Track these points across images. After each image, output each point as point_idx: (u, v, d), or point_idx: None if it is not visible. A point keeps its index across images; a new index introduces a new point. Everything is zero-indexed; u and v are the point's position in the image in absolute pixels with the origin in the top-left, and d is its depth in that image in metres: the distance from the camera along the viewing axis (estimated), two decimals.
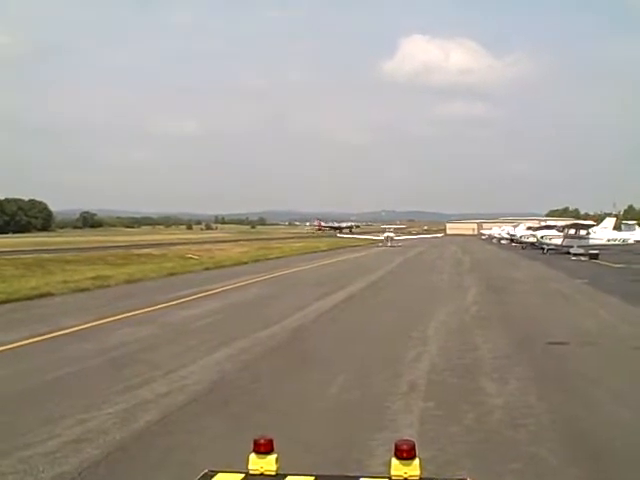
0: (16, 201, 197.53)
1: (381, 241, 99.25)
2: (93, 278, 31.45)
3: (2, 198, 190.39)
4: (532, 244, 79.03)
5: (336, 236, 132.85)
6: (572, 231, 67.41)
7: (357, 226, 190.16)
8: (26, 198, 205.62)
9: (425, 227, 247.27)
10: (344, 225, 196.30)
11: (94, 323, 18.46)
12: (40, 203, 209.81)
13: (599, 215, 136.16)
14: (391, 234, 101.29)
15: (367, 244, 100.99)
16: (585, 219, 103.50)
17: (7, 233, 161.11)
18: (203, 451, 8.16)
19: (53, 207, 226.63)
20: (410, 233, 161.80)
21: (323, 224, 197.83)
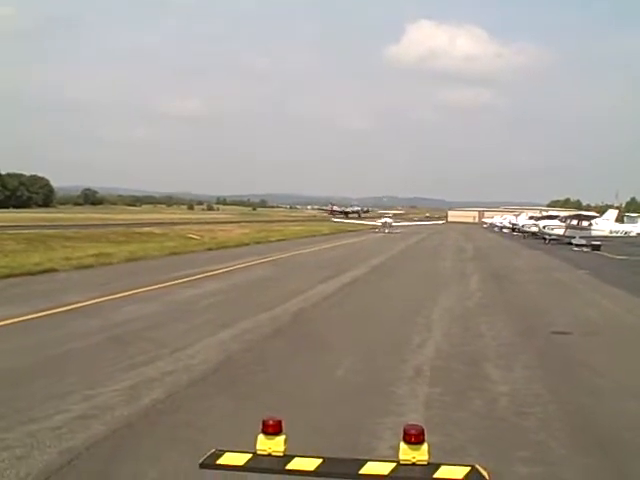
0: (18, 176, 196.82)
1: (378, 227, 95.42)
2: (96, 255, 31.40)
3: (3, 173, 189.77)
4: (534, 234, 78.92)
5: (332, 220, 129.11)
6: (574, 222, 67.27)
7: (366, 211, 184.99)
8: (28, 173, 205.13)
9: (427, 214, 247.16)
10: (355, 209, 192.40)
11: (98, 300, 18.43)
12: (42, 179, 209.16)
13: (601, 207, 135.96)
14: (389, 220, 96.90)
15: (366, 229, 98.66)
16: (587, 210, 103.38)
17: (8, 208, 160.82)
18: (210, 430, 8.14)
19: (55, 183, 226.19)
20: (411, 219, 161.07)
21: (336, 208, 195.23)
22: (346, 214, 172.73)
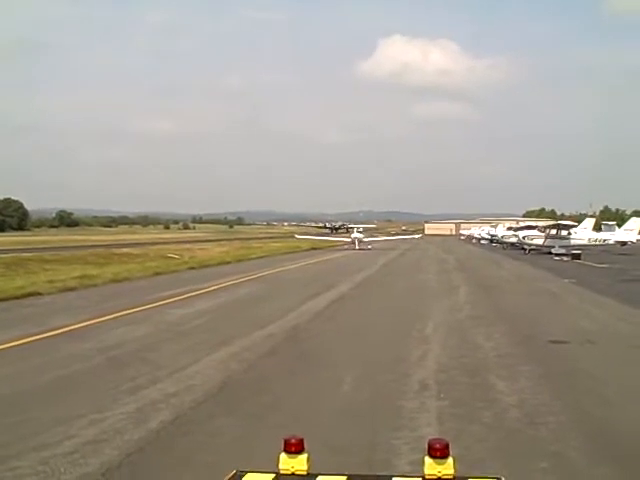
0: None
1: (347, 243, 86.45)
2: (79, 277, 31.04)
3: None
4: (512, 244, 79.52)
5: (293, 237, 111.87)
6: (553, 231, 67.94)
7: (339, 227, 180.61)
8: (1, 196, 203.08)
9: (403, 227, 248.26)
10: (338, 225, 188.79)
11: (88, 322, 18.18)
12: (15, 202, 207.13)
13: (576, 216, 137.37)
14: (359, 235, 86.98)
15: (330, 246, 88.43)
16: (562, 219, 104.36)
17: None
18: (224, 451, 8.01)
19: (28, 206, 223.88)
20: (389, 234, 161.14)
21: (328, 225, 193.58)
22: (332, 230, 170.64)
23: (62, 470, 7.35)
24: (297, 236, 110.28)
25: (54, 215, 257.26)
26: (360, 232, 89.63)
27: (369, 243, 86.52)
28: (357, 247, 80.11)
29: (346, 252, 73.01)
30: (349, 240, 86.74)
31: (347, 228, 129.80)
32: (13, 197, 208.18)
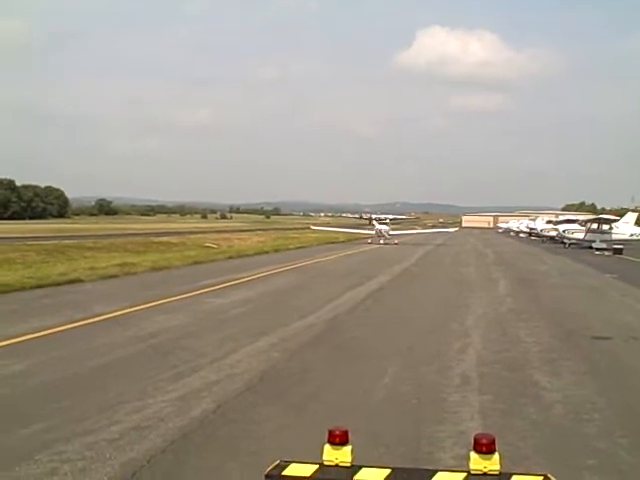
0: (33, 187, 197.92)
1: (371, 236, 74.09)
2: (120, 265, 31.36)
3: (19, 184, 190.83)
4: (552, 238, 78.55)
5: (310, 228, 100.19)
6: (595, 225, 66.88)
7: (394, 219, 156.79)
8: (42, 185, 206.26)
9: (440, 219, 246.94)
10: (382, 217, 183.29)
11: (129, 310, 18.34)
12: (56, 190, 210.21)
13: (617, 210, 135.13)
14: (384, 227, 75.56)
15: (347, 240, 77.08)
16: (603, 213, 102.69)
17: (24, 219, 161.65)
18: (268, 440, 8.02)
19: (69, 194, 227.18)
20: (425, 226, 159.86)
21: (374, 216, 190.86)
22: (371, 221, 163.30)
23: (108, 456, 7.41)
24: (313, 227, 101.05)
25: (93, 203, 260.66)
26: (385, 223, 79.61)
27: (396, 237, 75.08)
28: (382, 241, 69.93)
29: (363, 248, 61.79)
30: (372, 233, 75.25)
31: (370, 219, 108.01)
32: (54, 185, 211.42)
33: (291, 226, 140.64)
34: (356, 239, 77.53)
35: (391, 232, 75.83)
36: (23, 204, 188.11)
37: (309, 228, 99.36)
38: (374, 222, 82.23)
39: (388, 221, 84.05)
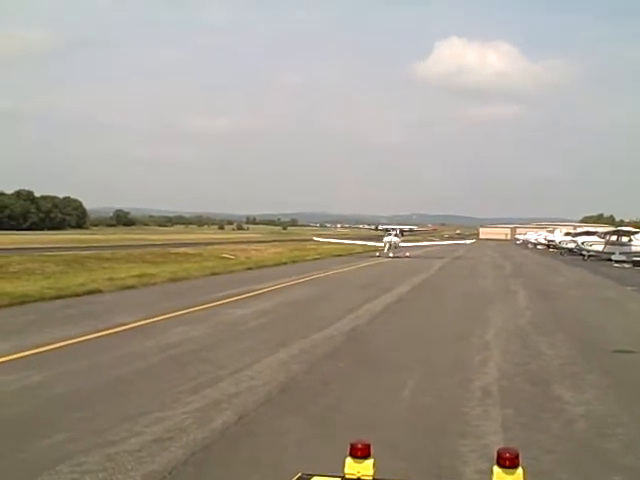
0: (51, 198, 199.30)
1: (380, 249, 67.99)
2: (138, 276, 31.45)
3: (37, 195, 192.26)
4: (570, 250, 77.97)
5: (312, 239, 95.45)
6: (614, 237, 66.25)
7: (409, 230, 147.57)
8: (61, 195, 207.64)
9: (458, 231, 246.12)
10: (390, 228, 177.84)
11: (148, 320, 18.36)
12: (75, 201, 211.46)
13: (636, 222, 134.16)
14: (394, 239, 69.75)
15: (349, 253, 71.34)
16: (622, 225, 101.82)
17: (43, 230, 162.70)
18: (289, 453, 8.00)
19: (87, 205, 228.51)
20: (442, 237, 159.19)
21: (381, 227, 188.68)
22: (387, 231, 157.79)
23: (129, 467, 7.41)
24: (315, 238, 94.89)
25: (111, 214, 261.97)
26: (395, 235, 72.47)
27: (407, 249, 70.42)
28: (390, 254, 64.54)
29: (367, 263, 55.59)
30: (381, 245, 69.66)
31: (376, 228, 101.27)
32: (72, 196, 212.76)
33: (304, 237, 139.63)
34: (366, 252, 72.52)
35: (401, 244, 71.57)
36: (42, 215, 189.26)
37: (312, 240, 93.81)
38: (385, 233, 75.25)
39: (398, 232, 76.26)
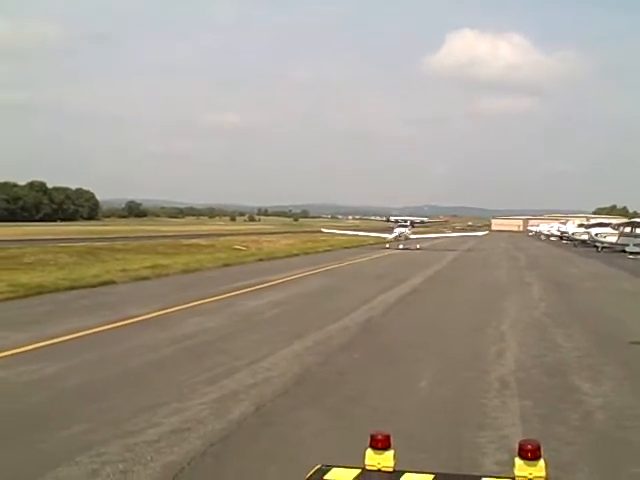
0: (64, 190, 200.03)
1: (390, 241, 68.07)
2: (151, 267, 31.50)
3: (50, 187, 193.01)
4: (583, 242, 77.62)
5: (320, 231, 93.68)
6: (628, 229, 65.82)
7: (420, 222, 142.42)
8: (73, 187, 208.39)
9: (469, 222, 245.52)
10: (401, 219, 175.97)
11: (163, 312, 18.38)
12: (87, 192, 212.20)
13: None
14: (404, 230, 69.46)
15: (359, 245, 70.57)
16: (635, 217, 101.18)
17: (55, 221, 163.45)
18: (308, 444, 7.97)
19: (99, 196, 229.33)
20: (454, 229, 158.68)
21: (392, 218, 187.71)
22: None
23: (148, 458, 7.41)
24: (324, 230, 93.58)
25: (123, 206, 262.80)
26: (406, 226, 71.80)
27: (417, 241, 68.97)
28: (400, 246, 64.30)
29: (378, 254, 54.81)
30: (392, 237, 69.31)
31: (387, 219, 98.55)
32: (84, 187, 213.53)
33: (315, 229, 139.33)
34: (377, 243, 71.67)
35: (412, 236, 70.48)
36: (54, 206, 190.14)
37: (320, 231, 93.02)
38: (396, 225, 75.20)
39: (409, 223, 75.10)
